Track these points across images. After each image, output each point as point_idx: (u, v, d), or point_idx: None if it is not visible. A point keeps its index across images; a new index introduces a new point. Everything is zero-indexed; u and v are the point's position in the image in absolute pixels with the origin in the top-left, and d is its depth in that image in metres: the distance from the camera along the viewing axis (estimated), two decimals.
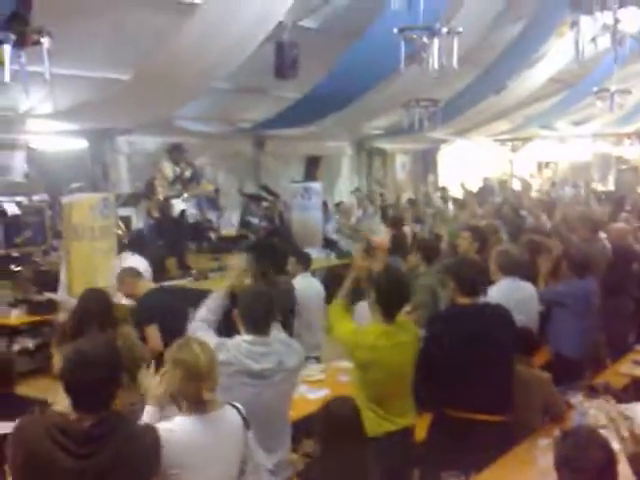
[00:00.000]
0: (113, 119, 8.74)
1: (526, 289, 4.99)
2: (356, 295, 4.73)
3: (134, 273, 5.12)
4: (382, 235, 8.30)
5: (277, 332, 3.42)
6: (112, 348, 2.49)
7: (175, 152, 9.27)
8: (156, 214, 9.09)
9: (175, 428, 2.56)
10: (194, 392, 2.60)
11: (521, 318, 4.16)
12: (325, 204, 11.46)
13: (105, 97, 7.56)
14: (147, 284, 5.18)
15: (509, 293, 4.68)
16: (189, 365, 2.60)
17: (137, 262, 6.24)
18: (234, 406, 2.75)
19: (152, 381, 2.76)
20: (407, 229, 7.70)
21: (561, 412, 3.92)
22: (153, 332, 4.55)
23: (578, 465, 2.34)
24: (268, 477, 2.80)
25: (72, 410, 2.31)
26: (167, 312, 4.54)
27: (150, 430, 2.49)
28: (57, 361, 4.18)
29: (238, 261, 3.84)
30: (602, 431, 3.21)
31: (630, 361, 5.21)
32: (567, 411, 3.92)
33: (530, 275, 5.27)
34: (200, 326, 3.40)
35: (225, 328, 3.49)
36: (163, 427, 2.56)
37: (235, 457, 2.68)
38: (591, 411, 3.72)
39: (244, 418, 2.73)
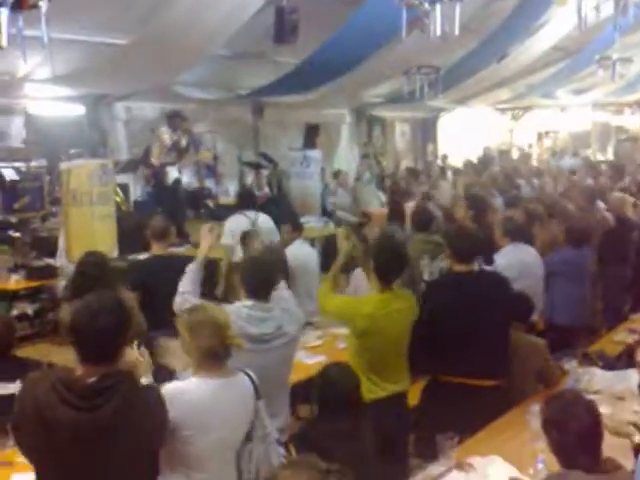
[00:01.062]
0: (111, 85, 8.68)
1: (531, 253, 5.05)
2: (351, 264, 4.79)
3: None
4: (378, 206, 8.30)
5: (279, 296, 3.45)
6: (118, 301, 2.50)
7: (174, 119, 9.21)
8: (152, 181, 9.08)
9: (189, 388, 2.63)
10: (220, 345, 2.66)
11: (528, 283, 4.22)
12: (323, 173, 11.44)
13: (103, 62, 7.50)
14: None
15: (515, 258, 4.77)
16: (211, 321, 2.67)
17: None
18: (247, 374, 2.80)
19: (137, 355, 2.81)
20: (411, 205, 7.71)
21: (555, 379, 3.98)
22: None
23: (564, 426, 2.39)
24: (276, 447, 2.84)
25: (79, 364, 2.34)
26: (155, 281, 4.50)
27: (153, 389, 2.53)
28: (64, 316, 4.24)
29: (210, 232, 3.85)
30: (592, 396, 3.28)
31: (625, 329, 5.25)
32: (561, 377, 3.97)
33: (528, 241, 5.33)
34: (188, 298, 3.44)
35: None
36: (177, 386, 2.63)
37: (244, 423, 2.72)
38: (584, 377, 3.79)
39: (256, 387, 2.78)
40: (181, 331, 2.72)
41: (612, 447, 2.63)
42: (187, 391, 2.61)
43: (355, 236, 4.41)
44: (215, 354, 2.67)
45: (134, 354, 2.80)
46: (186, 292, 3.53)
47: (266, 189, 10.87)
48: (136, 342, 3.35)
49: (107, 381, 2.30)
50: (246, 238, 5.48)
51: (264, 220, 6.45)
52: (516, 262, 4.70)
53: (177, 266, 3.93)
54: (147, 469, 2.51)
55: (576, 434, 2.38)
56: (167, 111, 9.46)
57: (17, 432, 2.36)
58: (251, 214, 6.45)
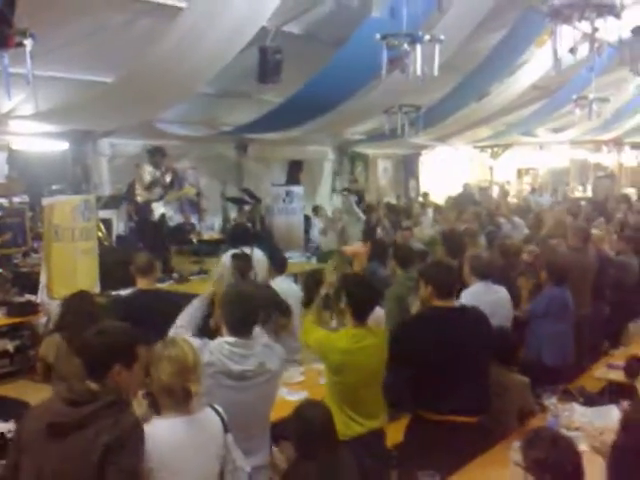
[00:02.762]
0: (94, 121, 8.72)
1: (498, 292, 5.06)
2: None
3: None
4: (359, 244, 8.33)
5: (260, 334, 3.46)
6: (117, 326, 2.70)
7: (156, 155, 9.26)
8: (136, 217, 9.08)
9: (155, 430, 2.58)
10: (180, 386, 2.62)
11: (494, 321, 4.22)
12: (307, 216, 11.51)
13: (87, 99, 7.55)
14: None
15: (481, 296, 4.76)
16: (178, 359, 2.65)
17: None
18: (214, 409, 2.78)
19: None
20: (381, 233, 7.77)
21: (531, 415, 3.99)
22: None
23: (555, 466, 2.39)
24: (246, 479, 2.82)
25: None
26: (142, 317, 4.49)
27: (138, 424, 2.51)
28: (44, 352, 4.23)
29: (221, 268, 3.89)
30: (571, 433, 3.31)
31: (605, 365, 5.30)
32: (540, 414, 3.99)
33: (503, 279, 5.36)
34: (180, 331, 3.43)
35: (204, 334, 3.53)
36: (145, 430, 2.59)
37: (215, 459, 2.70)
38: (565, 413, 3.81)
39: (223, 421, 2.76)
40: (152, 363, 2.71)
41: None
42: (153, 435, 2.55)
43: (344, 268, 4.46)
44: (173, 393, 2.64)
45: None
46: (180, 326, 3.50)
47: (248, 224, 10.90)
48: None
49: (94, 406, 2.39)
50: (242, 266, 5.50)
51: (259, 255, 6.45)
52: (479, 300, 4.56)
53: (163, 300, 3.92)
54: None
55: (567, 475, 2.38)
56: (149, 147, 9.52)
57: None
58: (247, 249, 6.45)
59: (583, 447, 3.44)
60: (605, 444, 3.11)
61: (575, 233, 6.39)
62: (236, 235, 7.44)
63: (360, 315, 3.70)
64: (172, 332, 3.45)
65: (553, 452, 2.44)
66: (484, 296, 4.80)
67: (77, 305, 4.37)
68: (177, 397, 2.64)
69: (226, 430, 2.75)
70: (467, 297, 4.63)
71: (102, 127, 9.32)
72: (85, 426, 2.35)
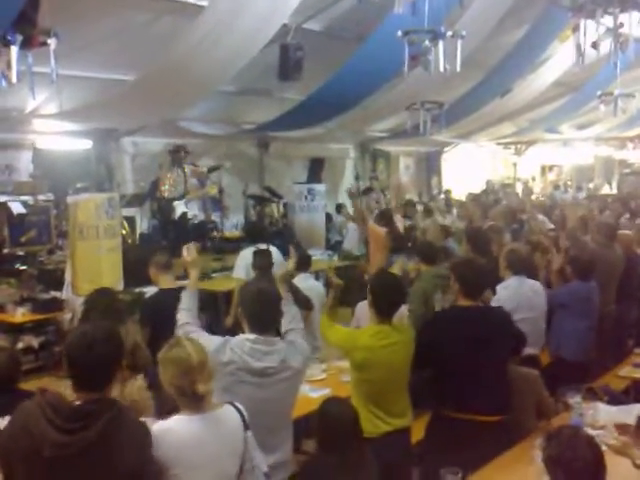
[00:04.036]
0: (118, 120, 8.81)
1: (534, 286, 5.06)
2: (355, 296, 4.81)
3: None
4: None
5: (294, 323, 3.46)
6: (113, 330, 2.56)
7: (178, 153, 9.32)
8: (159, 215, 9.15)
9: (173, 427, 2.59)
10: (188, 387, 2.61)
11: (527, 315, 4.21)
12: (328, 214, 11.49)
13: (110, 98, 7.63)
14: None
15: (517, 291, 4.77)
16: (180, 360, 2.63)
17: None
18: (235, 406, 2.78)
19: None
20: (398, 224, 7.75)
21: (551, 410, 3.96)
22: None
23: (568, 465, 2.38)
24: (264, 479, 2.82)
25: (73, 392, 2.39)
26: (169, 316, 4.53)
27: (142, 424, 2.51)
28: None
29: (191, 252, 3.86)
30: (596, 432, 3.27)
31: (630, 364, 5.24)
32: (564, 412, 3.95)
33: (532, 274, 5.33)
34: (189, 329, 3.42)
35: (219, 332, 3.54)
36: (161, 426, 2.60)
37: (234, 456, 2.69)
38: (589, 412, 3.76)
39: (244, 418, 2.76)
40: (162, 366, 2.69)
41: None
42: (170, 430, 2.57)
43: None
44: (183, 393, 2.64)
45: (135, 389, 2.79)
46: (185, 323, 3.51)
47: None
48: (142, 375, 3.36)
49: (92, 406, 2.34)
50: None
51: (275, 253, 6.48)
52: (515, 294, 4.70)
53: None
54: None
55: (580, 473, 2.37)
56: (171, 146, 9.58)
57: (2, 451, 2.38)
58: (263, 246, 6.49)
59: (609, 446, 3.42)
60: (627, 444, 3.08)
61: (600, 229, 6.31)
62: (252, 233, 7.46)
63: (385, 313, 3.68)
64: (181, 331, 3.44)
65: (566, 449, 2.42)
66: (520, 289, 4.83)
67: (100, 302, 4.40)
68: (188, 397, 2.64)
69: (246, 427, 2.75)
70: (503, 291, 4.65)
71: (125, 125, 9.41)
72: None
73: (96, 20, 6.41)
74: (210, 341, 3.17)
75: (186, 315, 3.53)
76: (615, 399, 4.19)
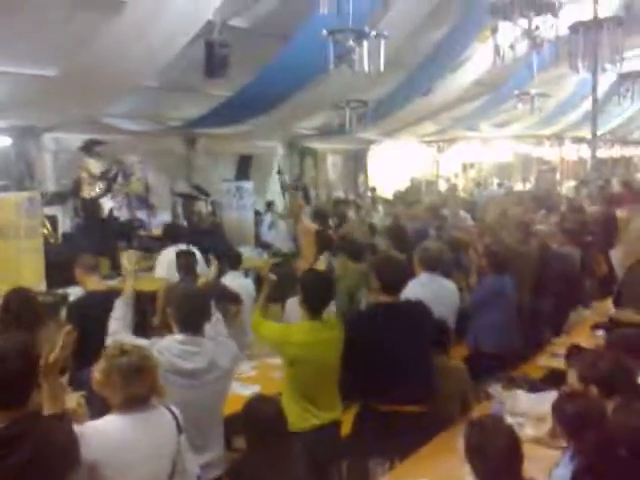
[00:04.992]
0: (38, 116, 8.55)
1: (444, 284, 5.18)
2: (285, 292, 4.85)
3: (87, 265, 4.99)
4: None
5: (214, 329, 3.47)
6: (27, 343, 2.50)
7: (92, 148, 9.11)
8: (82, 213, 8.93)
9: (105, 427, 2.59)
10: (149, 391, 2.64)
11: (440, 310, 4.33)
12: (257, 211, 11.50)
13: (29, 94, 7.40)
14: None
15: (426, 287, 4.85)
16: (121, 366, 2.63)
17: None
18: (168, 409, 2.79)
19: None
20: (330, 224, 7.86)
21: (472, 403, 4.12)
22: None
23: (484, 452, 2.51)
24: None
25: None
26: (97, 319, 4.46)
27: (64, 428, 2.48)
28: None
29: (127, 260, 3.86)
30: (515, 419, 3.43)
31: (548, 354, 5.48)
32: (485, 401, 4.12)
33: (451, 271, 5.50)
34: (119, 338, 3.38)
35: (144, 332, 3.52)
36: (93, 426, 2.58)
37: (166, 458, 2.69)
38: (509, 400, 3.94)
39: (178, 422, 2.77)
40: (107, 374, 2.65)
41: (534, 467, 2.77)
42: (104, 430, 2.57)
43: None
44: (140, 398, 2.65)
45: (74, 401, 2.76)
46: (116, 332, 3.48)
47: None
48: (66, 377, 3.31)
49: (16, 428, 2.29)
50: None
51: (196, 252, 6.45)
52: (423, 290, 4.70)
53: (113, 301, 3.90)
54: None
55: (496, 459, 2.49)
56: (84, 141, 9.34)
57: None
58: (183, 247, 6.45)
59: (529, 432, 3.60)
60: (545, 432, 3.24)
61: (516, 226, 6.55)
62: (171, 233, 7.44)
63: (315, 310, 3.75)
64: (109, 340, 3.41)
65: (485, 439, 2.55)
66: (428, 285, 4.91)
67: (16, 302, 4.28)
68: (145, 401, 2.65)
69: (180, 431, 2.77)
70: (412, 286, 4.73)
71: (45, 122, 9.13)
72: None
73: (14, 14, 6.21)
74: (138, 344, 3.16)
75: (117, 325, 3.50)
76: (534, 387, 4.37)
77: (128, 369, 2.62)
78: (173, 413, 2.77)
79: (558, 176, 19.11)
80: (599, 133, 13.41)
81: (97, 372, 2.67)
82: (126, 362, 2.63)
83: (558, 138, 18.42)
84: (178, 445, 2.72)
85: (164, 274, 6.34)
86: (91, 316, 4.44)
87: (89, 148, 9.06)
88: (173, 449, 2.70)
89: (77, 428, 2.54)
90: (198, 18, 6.95)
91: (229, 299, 5.23)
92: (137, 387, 2.63)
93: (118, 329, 3.48)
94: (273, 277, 4.05)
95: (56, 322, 4.55)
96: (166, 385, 3.05)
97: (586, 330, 5.83)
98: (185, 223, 10.61)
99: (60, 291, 6.37)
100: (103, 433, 2.56)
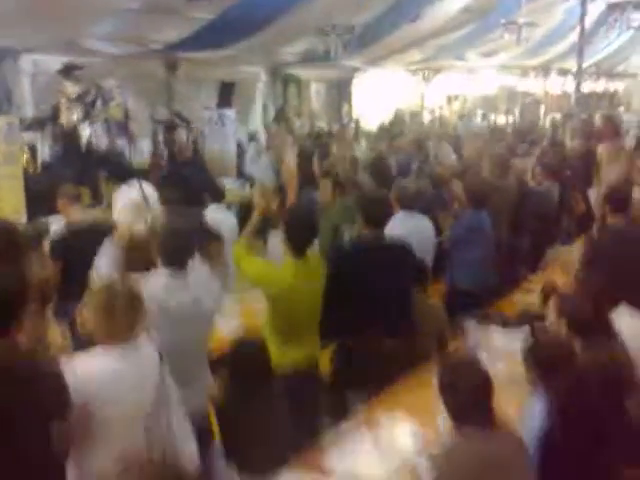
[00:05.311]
0: (14, 37, 8.27)
1: (421, 221, 5.24)
2: (268, 226, 4.88)
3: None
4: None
5: (199, 266, 3.51)
6: (13, 271, 2.61)
7: (70, 71, 8.87)
8: (62, 142, 8.78)
9: (92, 361, 2.66)
10: (109, 324, 2.67)
11: (416, 248, 4.39)
12: (239, 142, 11.33)
13: (6, 13, 7.14)
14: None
15: (403, 224, 4.89)
16: (106, 302, 2.67)
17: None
18: (150, 339, 2.85)
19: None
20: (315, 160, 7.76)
21: (449, 338, 4.25)
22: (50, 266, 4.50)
23: (454, 386, 2.62)
24: (178, 408, 2.93)
25: None
26: (80, 251, 4.46)
27: (55, 369, 2.56)
28: None
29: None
30: (487, 354, 3.56)
31: (523, 290, 5.59)
32: (461, 337, 4.25)
33: (432, 208, 5.53)
34: (102, 274, 3.44)
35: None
36: (82, 361, 2.65)
37: (150, 387, 2.78)
38: (482, 336, 4.08)
39: (159, 352, 2.84)
40: (92, 309, 2.70)
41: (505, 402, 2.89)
42: (92, 362, 2.64)
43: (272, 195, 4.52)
44: (125, 332, 2.71)
45: (58, 335, 2.81)
46: (100, 267, 3.52)
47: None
48: (51, 310, 3.36)
49: (4, 363, 2.35)
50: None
51: (150, 190, 6.31)
52: (399, 228, 4.72)
53: (96, 236, 3.94)
54: (49, 442, 2.55)
55: (466, 394, 2.60)
56: (62, 64, 9.08)
57: None
58: (136, 184, 6.23)
59: (501, 367, 3.74)
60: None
61: (494, 161, 6.54)
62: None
63: (299, 249, 3.78)
64: (95, 275, 3.44)
65: (455, 374, 2.66)
66: (404, 223, 4.94)
67: None
68: (109, 337, 2.69)
69: (161, 359, 2.84)
70: (390, 225, 4.78)
71: (22, 43, 8.85)
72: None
73: None
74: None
75: (106, 262, 3.53)
76: (508, 324, 4.49)
77: (113, 304, 2.66)
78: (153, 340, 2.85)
79: (542, 109, 19.00)
80: (585, 65, 13.30)
81: (82, 307, 2.72)
82: (112, 297, 2.68)
83: (544, 69, 18.22)
84: (161, 374, 2.80)
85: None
86: (74, 248, 4.47)
87: (68, 71, 8.82)
88: (156, 378, 2.79)
89: (64, 362, 2.62)
90: None
91: (210, 236, 5.22)
92: (122, 321, 2.69)
93: (106, 267, 3.51)
94: (264, 203, 4.04)
95: (38, 254, 4.56)
96: (151, 319, 3.13)
97: (561, 267, 5.94)
98: (165, 152, 10.47)
99: (42, 220, 6.34)
100: (90, 367, 2.63)
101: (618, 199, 4.85)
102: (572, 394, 2.75)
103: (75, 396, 2.54)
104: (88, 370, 2.62)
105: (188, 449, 2.87)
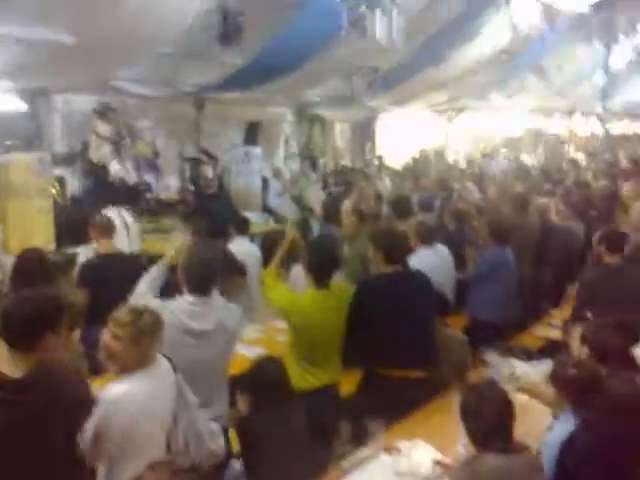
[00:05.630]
0: (50, 79, 8.58)
1: (440, 253, 5.30)
2: (291, 258, 4.95)
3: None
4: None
5: (217, 296, 3.58)
6: (45, 294, 2.67)
7: (105, 112, 9.16)
8: (91, 176, 9.01)
9: (127, 389, 2.71)
10: (138, 352, 2.75)
11: (436, 281, 4.43)
12: (264, 177, 11.55)
13: (42, 58, 7.42)
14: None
15: (423, 260, 4.94)
16: (132, 327, 2.74)
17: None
18: (162, 354, 2.93)
19: None
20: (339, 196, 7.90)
21: (470, 368, 4.24)
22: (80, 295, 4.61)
23: (478, 413, 2.64)
24: (199, 411, 3.00)
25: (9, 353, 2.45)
26: (106, 280, 4.57)
27: (82, 382, 2.64)
28: None
29: (181, 235, 3.99)
30: (509, 385, 3.55)
31: (545, 324, 5.57)
32: (482, 368, 4.24)
33: (453, 243, 5.58)
34: (139, 299, 3.51)
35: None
36: (120, 391, 2.71)
37: (169, 400, 2.86)
38: (504, 368, 4.05)
39: (172, 363, 2.92)
40: (116, 337, 2.76)
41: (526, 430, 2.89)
42: (132, 392, 2.71)
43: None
44: (148, 358, 2.79)
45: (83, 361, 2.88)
46: (140, 294, 3.59)
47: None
48: (78, 332, 3.44)
49: (35, 376, 2.41)
50: None
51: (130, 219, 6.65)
52: (424, 264, 4.73)
53: (124, 262, 4.02)
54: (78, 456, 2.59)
55: (489, 421, 2.61)
56: (98, 104, 9.38)
57: None
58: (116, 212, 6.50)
59: (522, 397, 3.72)
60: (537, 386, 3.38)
61: (514, 200, 6.62)
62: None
63: (322, 279, 3.85)
64: (132, 299, 3.53)
65: (479, 401, 2.68)
66: (424, 258, 5.01)
67: (29, 264, 4.40)
68: (134, 362, 2.76)
69: (175, 370, 2.91)
70: (412, 261, 4.82)
71: (57, 85, 9.16)
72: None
73: None
74: (150, 304, 3.27)
75: (144, 286, 3.63)
76: (530, 357, 4.48)
77: (140, 336, 2.74)
78: (167, 357, 2.91)
79: (567, 150, 19.01)
80: (609, 107, 13.35)
81: (106, 335, 2.79)
82: (139, 329, 2.75)
83: (569, 111, 18.29)
84: (177, 385, 2.88)
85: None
86: (101, 277, 4.59)
87: (103, 112, 9.11)
88: (174, 392, 2.87)
89: (95, 391, 2.69)
90: None
91: (235, 269, 5.31)
92: (147, 350, 2.76)
93: (144, 290, 3.60)
94: (294, 233, 4.10)
95: (67, 281, 4.68)
96: (176, 344, 3.20)
97: None
98: (192, 187, 10.68)
99: (69, 251, 6.49)
100: (133, 395, 2.70)
101: (613, 239, 4.92)
102: (607, 413, 2.76)
103: (118, 424, 2.63)
104: (124, 400, 2.68)
105: (214, 445, 2.97)
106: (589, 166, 12.86)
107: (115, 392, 2.70)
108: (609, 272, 4.78)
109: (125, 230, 6.33)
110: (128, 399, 2.67)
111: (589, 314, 4.20)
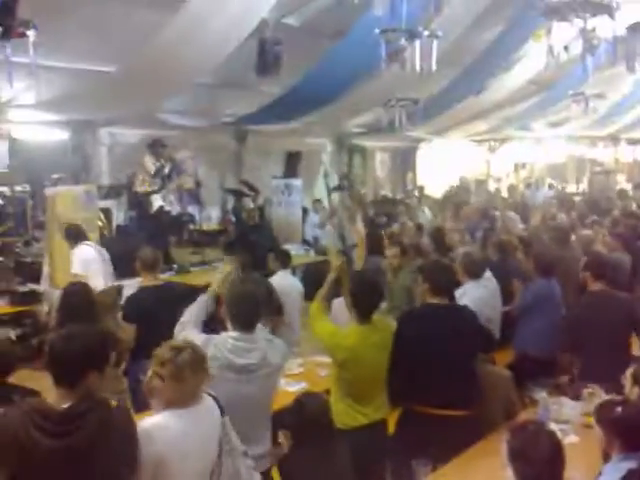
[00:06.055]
0: (95, 111, 8.79)
1: (488, 287, 5.19)
2: (332, 292, 4.91)
3: None
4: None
5: (261, 329, 3.57)
6: (93, 332, 2.69)
7: (156, 147, 9.35)
8: (136, 207, 9.17)
9: (165, 422, 2.69)
10: (179, 389, 2.72)
11: (483, 315, 4.34)
12: (304, 208, 11.59)
13: (88, 89, 7.62)
14: None
15: (472, 294, 4.87)
16: (171, 364, 2.72)
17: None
18: (209, 394, 2.89)
19: None
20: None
21: (518, 409, 4.12)
22: (129, 331, 4.67)
23: (527, 456, 2.52)
24: (244, 459, 2.95)
25: (54, 388, 2.46)
26: (153, 312, 4.60)
27: (128, 419, 2.60)
28: None
29: (227, 267, 3.99)
30: (560, 426, 3.43)
31: None
32: (530, 406, 4.11)
33: (500, 274, 5.48)
34: (185, 328, 3.53)
35: (210, 329, 3.63)
36: (156, 423, 2.69)
37: (215, 441, 2.81)
38: (554, 407, 3.93)
39: (219, 404, 2.88)
40: (160, 374, 2.74)
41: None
42: (165, 426, 2.67)
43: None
44: (193, 394, 2.76)
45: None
46: (186, 322, 3.60)
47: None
48: (123, 366, 3.45)
49: (81, 407, 2.40)
50: None
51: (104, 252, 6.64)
52: (471, 300, 4.69)
53: (169, 294, 4.03)
54: None
55: (537, 464, 2.51)
56: (149, 139, 9.59)
57: None
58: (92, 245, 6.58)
59: (572, 439, 3.59)
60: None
61: (555, 231, 6.53)
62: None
63: (365, 314, 3.80)
64: (178, 329, 3.53)
65: (528, 443, 2.56)
66: (472, 292, 4.92)
67: (75, 298, 4.45)
68: (181, 396, 2.74)
69: (222, 413, 2.87)
70: (459, 295, 4.74)
71: (102, 117, 9.38)
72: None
73: (75, 10, 6.40)
74: (196, 339, 3.27)
75: (188, 313, 3.63)
76: (579, 395, 4.34)
77: (183, 374, 2.72)
78: (214, 397, 2.88)
79: (614, 178, 18.66)
80: None
81: (150, 371, 2.78)
82: (174, 362, 2.73)
83: (613, 139, 17.99)
84: (223, 427, 2.84)
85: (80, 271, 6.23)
86: (147, 311, 4.62)
87: (154, 147, 9.32)
88: (219, 432, 2.82)
89: (139, 425, 2.67)
90: (253, 16, 7.05)
91: (273, 309, 5.28)
92: (190, 388, 2.74)
93: (188, 322, 3.60)
94: (340, 263, 4.07)
95: (113, 316, 4.73)
96: (220, 379, 3.18)
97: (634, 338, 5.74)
98: (233, 219, 10.77)
99: (116, 284, 6.56)
100: (164, 429, 2.67)
101: (598, 266, 4.90)
102: None
103: (152, 457, 2.59)
104: (163, 433, 2.66)
105: None
106: (635, 196, 12.57)
107: (143, 424, 2.67)
108: (593, 299, 4.82)
109: (102, 264, 6.36)
110: (157, 433, 2.63)
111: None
